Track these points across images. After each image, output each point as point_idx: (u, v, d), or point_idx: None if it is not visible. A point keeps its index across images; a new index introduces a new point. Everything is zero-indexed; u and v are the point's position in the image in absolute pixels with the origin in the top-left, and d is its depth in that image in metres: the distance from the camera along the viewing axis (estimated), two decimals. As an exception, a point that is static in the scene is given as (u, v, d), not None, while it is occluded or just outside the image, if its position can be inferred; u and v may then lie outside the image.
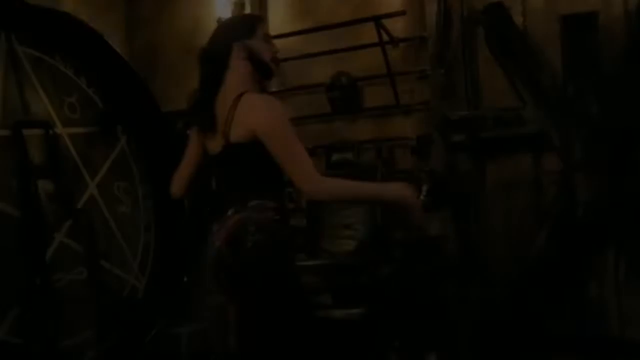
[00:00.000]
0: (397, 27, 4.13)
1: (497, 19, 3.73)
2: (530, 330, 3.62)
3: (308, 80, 4.45)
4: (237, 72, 2.04)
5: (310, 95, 4.45)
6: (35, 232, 3.16)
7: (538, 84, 3.65)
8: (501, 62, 3.77)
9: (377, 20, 3.83)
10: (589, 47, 3.51)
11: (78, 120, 3.68)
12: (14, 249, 3.07)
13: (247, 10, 4.53)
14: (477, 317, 3.78)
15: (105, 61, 3.82)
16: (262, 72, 2.08)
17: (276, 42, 4.44)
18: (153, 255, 4.06)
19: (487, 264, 3.88)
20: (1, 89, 3.22)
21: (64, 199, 3.40)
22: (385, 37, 3.94)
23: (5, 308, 2.99)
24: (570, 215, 3.52)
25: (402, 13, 3.91)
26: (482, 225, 3.89)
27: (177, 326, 4.04)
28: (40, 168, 3.29)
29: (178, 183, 2.38)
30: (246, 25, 2.10)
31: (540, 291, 3.62)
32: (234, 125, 1.96)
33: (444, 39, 3.87)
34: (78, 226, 3.48)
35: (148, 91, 4.02)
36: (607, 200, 3.43)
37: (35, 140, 3.34)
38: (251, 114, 1.95)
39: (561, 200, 3.60)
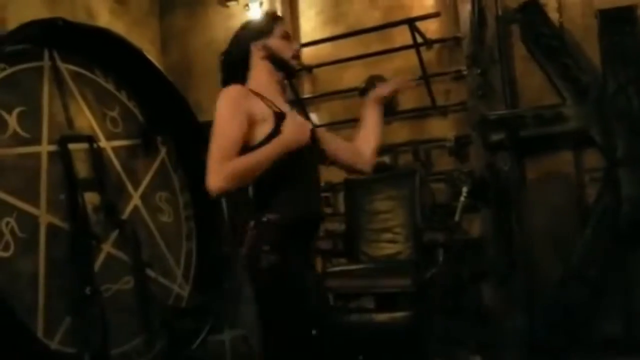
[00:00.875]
0: (430, 28, 4.12)
1: (533, 16, 3.70)
2: (577, 331, 3.56)
3: (342, 86, 4.46)
4: (259, 72, 2.05)
5: (344, 100, 4.46)
6: (83, 243, 3.25)
7: (577, 80, 3.60)
8: (538, 59, 3.73)
9: (412, 22, 3.82)
10: (627, 42, 3.45)
11: (120, 133, 3.78)
12: (64, 260, 3.16)
13: (279, 18, 4.57)
14: (521, 320, 3.73)
15: (143, 75, 3.91)
16: (283, 70, 2.07)
17: (309, 49, 4.56)
18: (195, 264, 4.13)
19: (530, 265, 3.82)
20: (47, 105, 3.33)
21: (109, 210, 3.49)
22: (419, 39, 3.93)
23: (58, 318, 3.07)
24: (615, 212, 3.45)
25: (436, 15, 3.90)
26: (524, 226, 3.83)
27: (220, 332, 4.10)
28: (86, 181, 3.39)
29: None
30: (263, 25, 2.10)
31: (586, 290, 3.56)
32: None
33: (479, 38, 3.84)
34: (124, 237, 3.56)
35: (185, 103, 4.10)
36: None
37: (80, 154, 3.44)
38: None
39: (605, 197, 3.53)
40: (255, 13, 4.48)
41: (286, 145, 1.93)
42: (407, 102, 4.29)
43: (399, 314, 3.36)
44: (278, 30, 2.08)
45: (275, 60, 2.04)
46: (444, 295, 3.59)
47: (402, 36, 4.13)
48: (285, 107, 2.04)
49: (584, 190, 3.74)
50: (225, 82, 2.07)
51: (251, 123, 1.93)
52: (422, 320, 3.35)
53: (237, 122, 1.92)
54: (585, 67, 3.61)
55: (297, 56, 2.12)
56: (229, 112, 1.93)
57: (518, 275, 3.75)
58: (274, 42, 2.05)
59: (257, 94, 1.99)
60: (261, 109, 1.96)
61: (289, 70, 2.09)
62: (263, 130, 1.94)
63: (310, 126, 2.06)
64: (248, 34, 2.09)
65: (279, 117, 1.96)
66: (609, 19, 3.48)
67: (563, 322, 3.59)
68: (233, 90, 1.98)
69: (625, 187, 3.41)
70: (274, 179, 1.95)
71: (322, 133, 2.22)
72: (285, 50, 2.06)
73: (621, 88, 3.42)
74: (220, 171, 1.89)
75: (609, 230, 3.48)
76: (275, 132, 1.94)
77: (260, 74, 2.04)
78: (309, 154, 2.03)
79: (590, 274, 3.54)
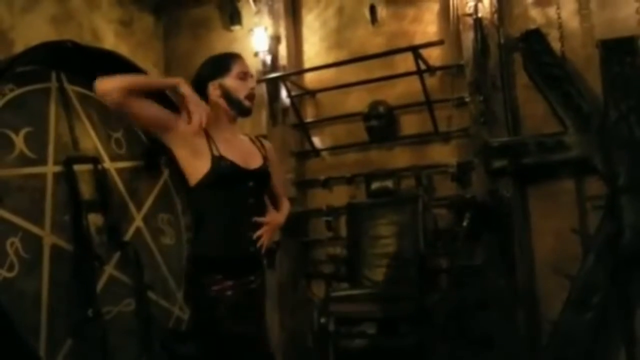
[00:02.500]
0: (433, 55, 4.17)
1: (536, 45, 3.76)
2: (579, 359, 3.55)
3: (345, 110, 4.50)
4: (214, 108, 2.12)
5: (348, 124, 4.49)
6: (87, 265, 3.23)
7: (579, 108, 3.65)
8: (540, 87, 3.78)
9: (416, 50, 3.88)
10: (628, 71, 3.51)
11: (124, 154, 3.78)
12: (67, 282, 3.14)
13: (283, 44, 4.63)
14: (525, 347, 3.72)
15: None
16: (237, 109, 2.14)
17: (312, 74, 4.60)
18: (196, 287, 4.10)
19: (532, 292, 3.82)
20: (53, 126, 3.34)
21: (112, 232, 3.48)
22: (422, 66, 3.98)
23: (60, 340, 3.04)
24: (616, 240, 3.46)
25: (440, 43, 3.95)
26: (527, 252, 3.84)
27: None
28: (90, 202, 3.39)
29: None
30: (221, 64, 2.16)
31: (588, 318, 3.55)
32: None
33: (482, 66, 3.89)
34: (126, 258, 3.54)
35: (190, 124, 4.11)
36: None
37: (85, 175, 3.44)
38: None
39: (607, 225, 3.55)
40: (259, 38, 4.53)
41: (167, 85, 2.19)
42: (410, 127, 4.35)
43: (401, 340, 3.35)
44: (235, 69, 2.15)
45: (230, 99, 2.12)
46: (447, 321, 3.58)
47: (405, 62, 4.18)
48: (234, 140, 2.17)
49: (586, 217, 3.75)
50: None
51: (191, 154, 2.07)
52: (425, 346, 3.34)
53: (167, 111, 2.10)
54: (586, 96, 3.66)
55: (251, 96, 2.16)
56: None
57: (520, 302, 3.75)
58: (230, 81, 2.13)
59: (206, 133, 2.08)
60: (202, 147, 2.08)
61: (241, 110, 2.15)
62: (202, 169, 2.07)
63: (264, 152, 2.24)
64: (206, 73, 2.17)
65: (215, 160, 2.06)
66: (610, 49, 3.55)
67: (565, 350, 3.58)
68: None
69: (627, 214, 3.44)
70: (205, 215, 2.09)
71: (272, 169, 2.28)
72: (240, 90, 2.13)
73: (622, 117, 3.47)
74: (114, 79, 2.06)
75: (611, 258, 3.49)
76: (212, 173, 2.05)
77: (216, 110, 2.12)
78: (245, 191, 2.11)
79: (592, 301, 3.54)
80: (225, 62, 2.17)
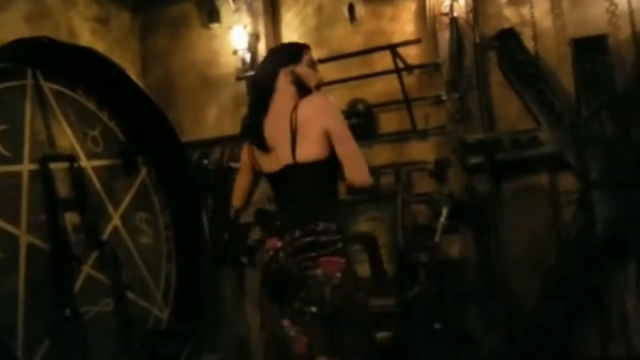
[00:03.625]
0: (411, 54, 4.21)
1: (510, 43, 3.83)
2: (556, 350, 3.62)
3: (323, 108, 4.52)
4: (284, 95, 2.14)
5: (326, 122, 4.51)
6: (64, 264, 3.20)
7: (552, 105, 3.72)
8: (515, 85, 3.86)
9: (394, 48, 3.92)
10: (599, 69, 3.59)
11: (101, 152, 3.76)
12: (44, 281, 3.10)
13: (262, 41, 4.63)
14: (501, 339, 3.78)
15: (126, 95, 3.91)
16: (304, 94, 2.14)
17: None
18: (175, 286, 4.09)
19: (508, 284, 3.89)
20: (29, 123, 3.31)
21: (90, 231, 3.45)
22: (400, 64, 4.03)
23: (37, 340, 3.01)
24: (589, 233, 3.55)
25: (417, 41, 4.00)
26: (502, 246, 3.91)
27: (199, 356, 4.05)
28: (67, 201, 3.36)
29: (237, 195, 2.43)
30: (293, 52, 2.21)
31: (563, 310, 3.63)
32: (300, 140, 2.06)
33: (458, 64, 3.95)
34: (104, 258, 3.52)
35: (168, 123, 4.10)
36: (624, 216, 3.47)
37: (61, 173, 3.40)
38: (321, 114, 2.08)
39: (579, 218, 3.63)
40: (238, 35, 4.53)
41: None
42: (388, 125, 4.38)
43: (382, 334, 3.37)
44: (306, 58, 2.20)
45: (301, 86, 2.15)
46: (426, 315, 3.62)
47: (384, 61, 4.22)
48: None
49: (559, 211, 3.83)
50: (253, 102, 2.23)
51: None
52: (405, 340, 3.37)
53: None
54: (559, 93, 3.74)
55: (320, 85, 2.21)
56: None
57: (497, 295, 3.81)
58: (302, 69, 2.16)
59: None
60: None
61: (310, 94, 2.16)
62: None
63: None
64: (278, 59, 2.20)
65: None
66: (582, 48, 3.63)
67: (541, 341, 3.66)
68: (334, 102, 2.14)
69: (599, 208, 3.52)
70: (325, 190, 2.12)
71: None
72: (311, 78, 2.17)
73: (594, 113, 3.55)
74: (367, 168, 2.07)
75: (584, 251, 3.57)
76: None
77: (284, 97, 2.13)
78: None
79: (566, 293, 3.62)
80: (297, 50, 2.22)
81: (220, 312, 4.66)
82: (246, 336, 4.72)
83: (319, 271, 2.01)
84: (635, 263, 3.49)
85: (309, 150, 2.05)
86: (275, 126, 2.12)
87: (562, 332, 3.62)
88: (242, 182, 2.39)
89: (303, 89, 2.14)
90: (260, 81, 2.21)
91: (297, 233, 2.04)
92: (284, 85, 2.14)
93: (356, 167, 2.03)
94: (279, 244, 2.08)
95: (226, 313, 4.74)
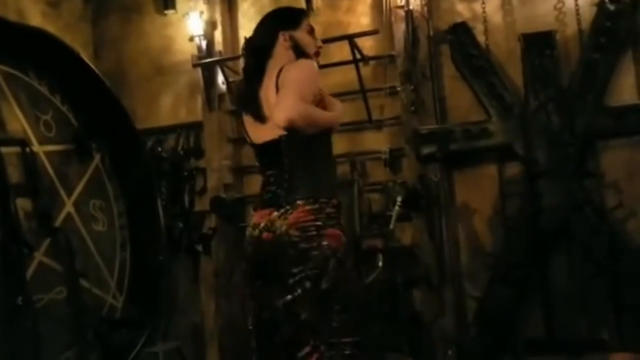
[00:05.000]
0: (367, 45, 4.29)
1: (463, 37, 3.96)
2: (504, 332, 3.79)
3: (280, 98, 4.55)
4: (279, 61, 2.07)
5: (282, 111, 4.54)
6: (15, 251, 3.12)
7: (502, 98, 3.87)
8: (466, 77, 3.99)
9: (352, 39, 3.98)
10: (547, 63, 3.76)
11: (54, 137, 3.67)
12: (-5, 268, 3.02)
13: (219, 29, 4.60)
14: (451, 323, 3.92)
15: (79, 79, 3.83)
16: (300, 57, 2.09)
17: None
18: (129, 274, 4.04)
19: (458, 270, 4.04)
20: (-22, 106, 3.19)
21: (42, 217, 3.37)
22: (357, 55, 4.09)
23: (-13, 329, 2.93)
24: (535, 220, 3.72)
25: (375, 32, 4.07)
26: (453, 233, 4.06)
27: (154, 344, 4.03)
28: (18, 186, 3.27)
29: None
30: (293, 16, 2.16)
31: (510, 294, 3.80)
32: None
33: (412, 56, 4.05)
34: (56, 245, 3.45)
35: (122, 109, 4.04)
36: (569, 205, 3.65)
37: (12, 158, 3.31)
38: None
39: (526, 206, 3.80)
40: (194, 22, 4.49)
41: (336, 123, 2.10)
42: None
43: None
44: (305, 24, 2.15)
45: (299, 52, 2.09)
46: (380, 300, 3.72)
47: (340, 52, 4.26)
48: None
49: (507, 200, 3.99)
50: (249, 68, 2.12)
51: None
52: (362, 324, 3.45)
53: (315, 89, 2.01)
54: (509, 86, 3.89)
55: (318, 53, 2.17)
56: (314, 78, 2.00)
57: (447, 281, 3.95)
58: (301, 34, 2.12)
59: None
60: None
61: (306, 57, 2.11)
62: None
63: None
64: (277, 22, 2.13)
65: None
66: (530, 43, 3.79)
67: (490, 325, 3.82)
68: (314, 65, 2.05)
69: (545, 196, 3.70)
70: (317, 162, 2.09)
71: None
72: (310, 45, 2.13)
73: (542, 106, 3.71)
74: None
75: (530, 237, 3.74)
76: None
77: (281, 62, 2.06)
78: None
79: (514, 278, 3.78)
80: (297, 14, 2.18)
81: (174, 300, 4.64)
82: (200, 324, 4.72)
83: (324, 242, 1.95)
84: (577, 249, 3.68)
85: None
86: (269, 94, 2.04)
87: (509, 315, 3.79)
88: None
89: (301, 56, 2.07)
90: (256, 46, 2.12)
91: (300, 202, 1.96)
92: (282, 51, 2.08)
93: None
94: (274, 214, 2.01)
95: (180, 301, 4.72)
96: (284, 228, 1.98)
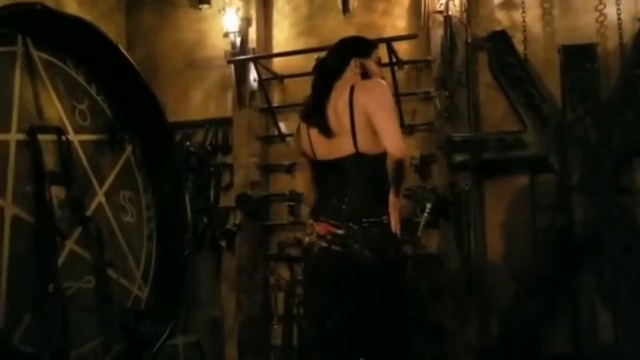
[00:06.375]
0: (401, 48, 4.25)
1: (501, 45, 3.91)
2: (528, 347, 3.75)
3: (311, 98, 4.53)
4: (347, 83, 2.28)
5: (313, 112, 4.52)
6: (48, 239, 3.13)
7: (539, 109, 3.82)
8: (503, 86, 3.94)
9: (389, 42, 3.95)
10: (586, 76, 3.71)
11: (88, 127, 3.69)
12: (28, 255, 3.03)
13: (254, 26, 4.59)
14: (475, 334, 3.88)
15: (116, 70, 3.84)
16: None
17: (281, 59, 4.60)
18: (154, 266, 4.05)
19: (485, 281, 4.00)
20: (18, 92, 3.21)
21: (75, 206, 3.39)
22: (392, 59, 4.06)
23: (18, 315, 2.94)
24: (567, 235, 3.67)
25: (414, 36, 4.03)
26: (481, 243, 4.02)
27: (173, 337, 4.03)
28: (53, 174, 3.28)
29: (309, 192, 2.49)
30: (365, 46, 2.43)
31: (537, 308, 3.75)
32: (359, 129, 2.16)
33: (448, 62, 4.01)
34: (87, 234, 3.46)
35: (156, 102, 4.05)
36: (601, 220, 3.60)
37: (48, 145, 3.32)
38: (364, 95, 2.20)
39: (558, 220, 3.75)
40: (230, 18, 4.48)
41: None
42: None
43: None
44: (374, 54, 2.44)
45: (365, 76, 2.33)
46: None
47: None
48: None
49: (538, 213, 3.94)
50: (319, 87, 2.34)
51: None
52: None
53: None
54: (546, 97, 3.85)
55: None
56: (393, 102, 2.27)
57: (473, 291, 3.91)
58: (370, 63, 2.39)
59: None
60: None
61: None
62: None
63: None
64: (351, 49, 2.41)
65: None
66: (571, 55, 3.74)
67: (514, 337, 3.77)
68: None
69: (578, 211, 3.65)
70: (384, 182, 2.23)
71: None
72: (376, 74, 2.40)
73: (579, 119, 3.66)
74: (402, 140, 2.16)
75: (560, 251, 3.69)
76: None
77: (349, 84, 2.27)
78: None
79: (541, 292, 3.74)
80: (369, 45, 2.46)
81: (195, 294, 4.64)
82: (220, 319, 4.72)
83: (391, 257, 2.14)
84: (608, 265, 3.63)
85: (371, 142, 2.16)
86: (336, 112, 2.21)
87: (534, 329, 3.75)
88: (308, 177, 2.45)
89: (366, 77, 2.30)
90: (329, 66, 2.37)
91: (366, 222, 2.11)
92: (351, 75, 2.31)
93: (392, 135, 2.11)
94: (339, 232, 2.14)
95: (201, 295, 4.72)
96: (356, 246, 2.12)
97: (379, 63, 2.44)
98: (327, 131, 2.21)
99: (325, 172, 2.29)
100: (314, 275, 2.19)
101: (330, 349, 2.14)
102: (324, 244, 2.15)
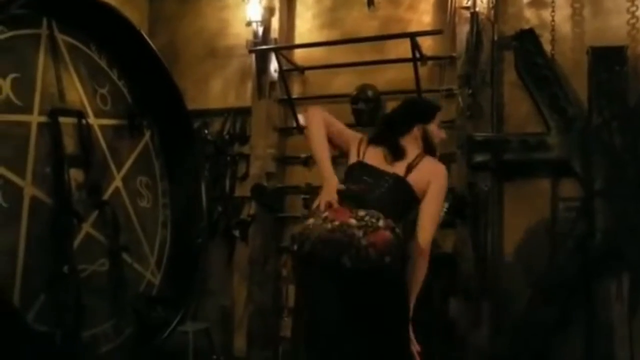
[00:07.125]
0: (425, 44, 4.18)
1: (528, 44, 3.84)
2: (540, 353, 3.69)
3: (331, 90, 4.49)
4: (411, 138, 2.57)
5: (333, 104, 4.47)
6: (65, 220, 3.14)
7: (564, 111, 3.75)
8: (529, 87, 3.87)
9: (413, 37, 3.90)
10: (615, 79, 3.62)
11: (108, 111, 3.69)
12: (44, 235, 3.05)
13: (276, 16, 4.56)
14: (487, 336, 3.84)
15: (137, 55, 3.83)
16: (428, 148, 2.58)
17: (302, 50, 4.57)
18: (168, 253, 4.05)
19: (499, 283, 3.94)
20: (41, 74, 3.22)
21: (92, 189, 3.40)
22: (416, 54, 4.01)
23: (33, 295, 2.96)
24: (587, 241, 3.60)
25: (439, 32, 3.97)
26: (498, 245, 3.96)
27: (183, 324, 4.04)
28: (72, 157, 3.29)
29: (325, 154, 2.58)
30: (429, 112, 2.64)
31: (551, 314, 3.70)
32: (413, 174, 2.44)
33: (473, 60, 3.95)
34: (103, 218, 3.47)
35: (176, 89, 4.03)
36: (623, 228, 3.53)
37: (68, 128, 3.33)
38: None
39: (579, 226, 3.68)
40: (253, 7, 4.45)
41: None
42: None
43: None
44: (437, 118, 2.65)
45: (427, 142, 2.59)
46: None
47: (397, 49, 4.20)
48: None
49: (558, 217, 3.88)
50: (381, 133, 2.59)
51: None
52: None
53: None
54: (572, 99, 3.77)
55: (441, 142, 2.66)
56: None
57: (487, 292, 3.87)
58: (432, 128, 2.61)
59: None
60: None
61: (431, 150, 2.60)
62: None
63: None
64: (417, 115, 2.62)
65: None
66: (599, 57, 3.65)
67: (526, 344, 3.72)
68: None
69: (599, 218, 3.57)
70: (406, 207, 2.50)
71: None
72: (437, 137, 2.62)
73: (605, 123, 3.59)
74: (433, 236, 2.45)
75: (579, 258, 3.62)
76: None
77: (410, 142, 2.54)
78: None
79: (556, 298, 3.68)
80: (433, 111, 2.66)
81: (206, 282, 4.65)
82: (230, 308, 4.73)
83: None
84: (628, 275, 3.56)
85: (418, 182, 2.41)
86: (405, 152, 2.49)
87: (547, 336, 3.69)
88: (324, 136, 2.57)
89: (428, 145, 2.58)
90: (395, 127, 2.57)
91: (382, 223, 2.18)
92: (412, 137, 2.56)
93: (429, 228, 2.39)
94: (352, 221, 2.18)
95: (212, 283, 4.73)
96: (363, 245, 2.17)
97: (440, 123, 2.65)
98: (395, 153, 2.45)
99: (360, 176, 2.42)
100: (311, 261, 2.22)
101: (331, 342, 2.19)
102: (329, 226, 2.20)
